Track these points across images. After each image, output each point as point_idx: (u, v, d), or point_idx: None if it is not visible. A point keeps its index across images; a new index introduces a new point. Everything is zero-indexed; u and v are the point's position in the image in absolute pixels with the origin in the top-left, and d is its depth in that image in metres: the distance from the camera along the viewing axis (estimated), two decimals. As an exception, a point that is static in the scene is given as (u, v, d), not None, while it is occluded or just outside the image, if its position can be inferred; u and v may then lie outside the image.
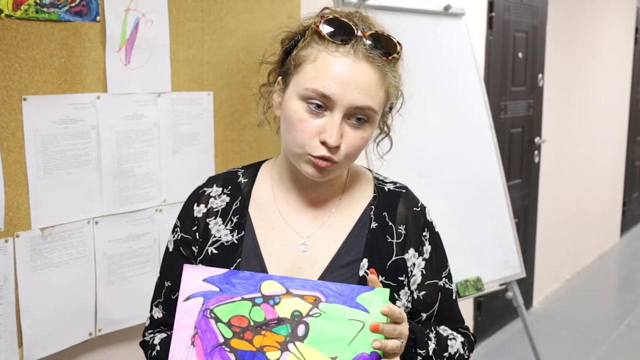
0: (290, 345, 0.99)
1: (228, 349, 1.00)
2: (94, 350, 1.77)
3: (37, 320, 1.59)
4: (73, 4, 1.58)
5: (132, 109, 1.75)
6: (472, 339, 1.26)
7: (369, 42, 1.06)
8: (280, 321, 1.01)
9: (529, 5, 4.11)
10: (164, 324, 1.22)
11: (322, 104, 1.05)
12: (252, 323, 1.01)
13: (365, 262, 1.13)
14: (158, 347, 1.20)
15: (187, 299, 1.05)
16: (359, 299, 1.01)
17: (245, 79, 2.02)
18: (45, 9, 1.53)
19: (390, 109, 1.17)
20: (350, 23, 1.07)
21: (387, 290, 1.02)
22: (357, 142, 1.08)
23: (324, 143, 1.05)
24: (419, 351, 1.11)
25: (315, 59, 1.06)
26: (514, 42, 3.97)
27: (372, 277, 1.04)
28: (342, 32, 1.06)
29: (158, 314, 1.23)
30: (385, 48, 1.08)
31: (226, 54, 1.97)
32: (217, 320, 1.02)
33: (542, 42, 4.33)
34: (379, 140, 1.21)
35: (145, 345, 1.24)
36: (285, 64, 1.13)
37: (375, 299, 1.01)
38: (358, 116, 1.06)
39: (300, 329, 1.00)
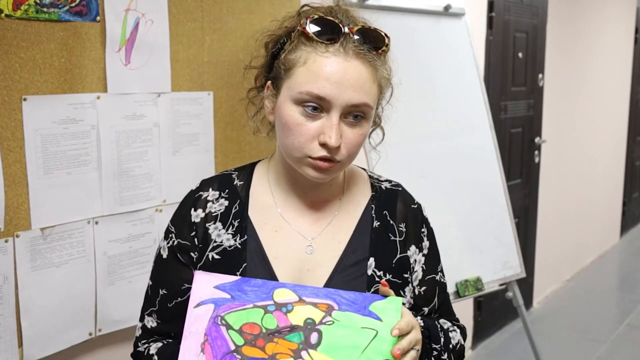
0: (304, 353, 0.98)
1: (239, 356, 0.99)
2: (94, 350, 1.77)
3: (37, 320, 1.59)
4: (73, 4, 1.58)
5: (132, 109, 1.75)
6: (464, 329, 1.28)
7: (357, 37, 1.05)
8: (293, 329, 1.00)
9: (529, 5, 4.11)
10: (159, 332, 1.19)
11: (318, 105, 1.04)
12: (264, 330, 1.00)
13: (372, 261, 1.14)
14: (156, 357, 1.15)
15: (198, 305, 1.03)
16: (371, 307, 1.01)
17: (245, 79, 2.02)
18: (45, 9, 1.53)
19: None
20: (336, 20, 1.06)
21: (400, 299, 1.02)
22: (356, 140, 1.08)
23: (324, 145, 1.05)
24: (434, 346, 1.12)
25: (305, 61, 1.05)
26: (514, 42, 3.97)
27: (385, 289, 1.04)
28: (330, 30, 1.05)
29: (152, 323, 1.19)
30: (374, 42, 1.07)
31: (226, 54, 1.97)
32: (229, 327, 1.01)
33: (542, 42, 4.33)
34: (371, 131, 1.19)
35: (140, 357, 1.19)
36: (274, 69, 1.11)
37: (388, 307, 1.01)
38: (355, 114, 1.06)
39: (314, 337, 0.99)
